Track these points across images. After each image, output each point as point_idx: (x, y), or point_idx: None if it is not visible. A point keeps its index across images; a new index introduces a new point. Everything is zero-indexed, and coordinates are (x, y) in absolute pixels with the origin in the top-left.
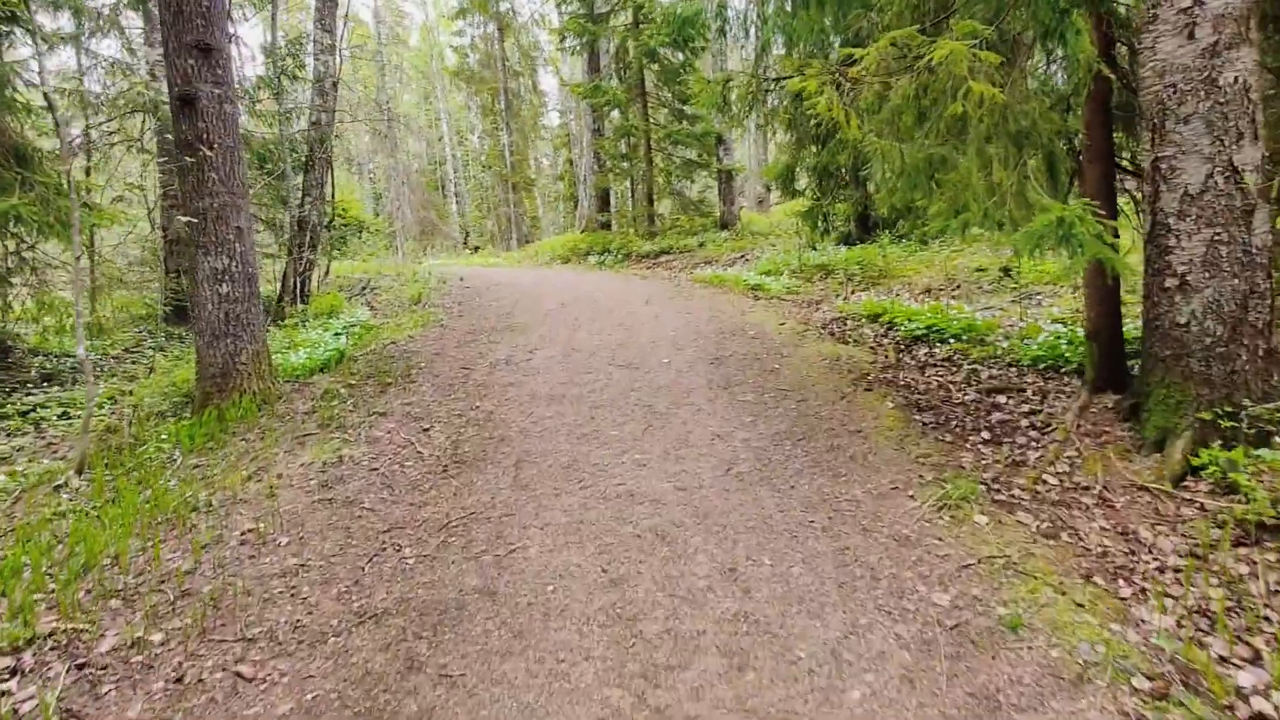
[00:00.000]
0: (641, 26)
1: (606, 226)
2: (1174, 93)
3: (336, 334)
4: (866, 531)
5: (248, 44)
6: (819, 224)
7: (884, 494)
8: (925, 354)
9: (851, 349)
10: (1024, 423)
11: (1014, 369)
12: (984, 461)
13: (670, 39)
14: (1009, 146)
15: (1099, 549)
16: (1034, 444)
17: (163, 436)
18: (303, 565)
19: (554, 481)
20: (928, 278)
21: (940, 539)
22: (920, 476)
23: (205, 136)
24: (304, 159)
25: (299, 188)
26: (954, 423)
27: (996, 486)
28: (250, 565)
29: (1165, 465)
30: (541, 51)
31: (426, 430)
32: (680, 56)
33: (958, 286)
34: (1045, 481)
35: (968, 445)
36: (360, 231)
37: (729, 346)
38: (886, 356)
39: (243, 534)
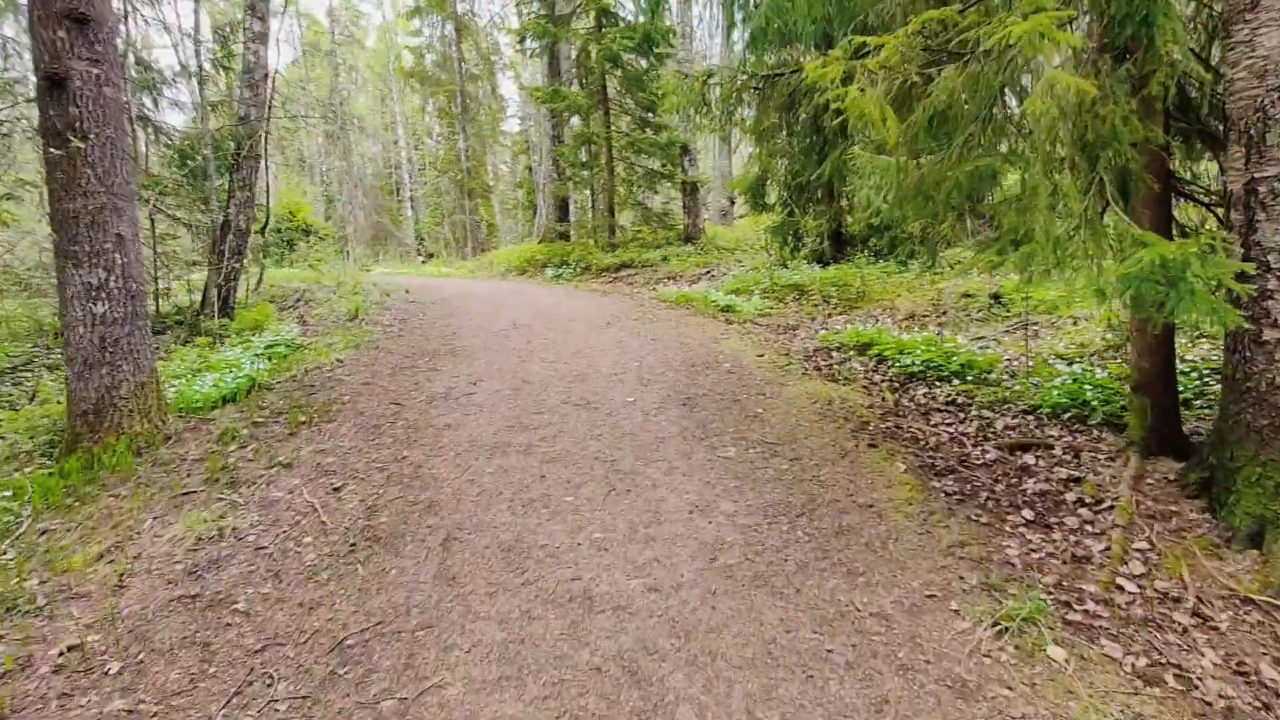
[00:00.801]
0: (604, 30)
1: (565, 237)
2: None
3: (257, 354)
4: (907, 671)
5: (167, 25)
6: (789, 240)
7: (919, 605)
8: (925, 395)
9: (842, 389)
10: (1068, 495)
11: (1031, 418)
12: (1035, 554)
13: (634, 44)
14: (1080, 160)
15: (1220, 699)
16: (1090, 527)
17: (6, 493)
18: (130, 712)
19: (490, 572)
20: (910, 302)
21: (1010, 687)
22: (961, 578)
23: (78, 125)
24: (230, 157)
25: (225, 188)
26: (983, 493)
27: (1064, 598)
28: (56, 714)
29: (1270, 568)
30: (501, 56)
31: (337, 490)
32: (644, 63)
33: (944, 313)
34: (1121, 588)
35: (1008, 528)
36: (308, 235)
37: (702, 383)
38: (884, 399)
39: (62, 653)
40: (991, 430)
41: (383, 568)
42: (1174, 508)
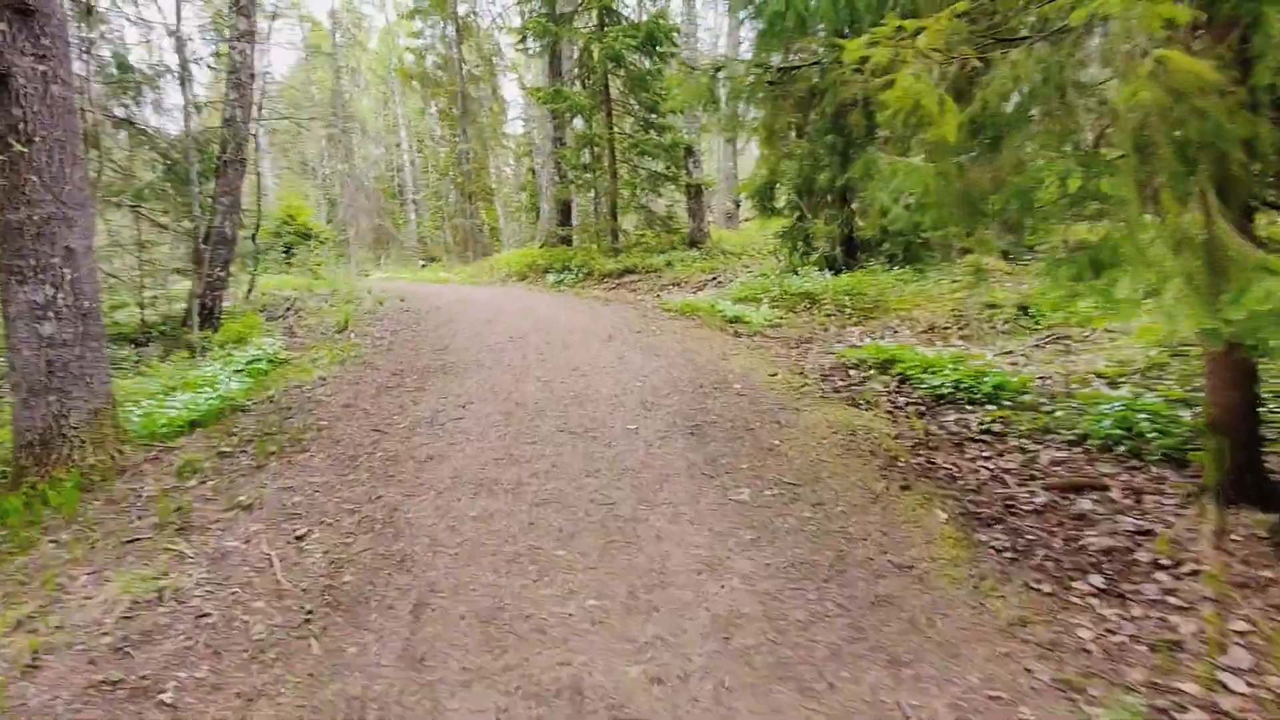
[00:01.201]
0: (607, 29)
1: (567, 241)
2: None
3: (237, 371)
4: None
5: (149, 22)
6: (798, 246)
7: (982, 712)
8: (957, 422)
9: (865, 416)
10: (1140, 554)
11: (1079, 450)
12: (1114, 637)
13: (638, 43)
14: (1175, 164)
15: None
16: (1172, 598)
17: None
18: None
19: (465, 652)
20: (929, 313)
21: None
22: (1028, 670)
23: (21, 127)
24: (215, 162)
25: (209, 194)
26: (1038, 549)
27: (1159, 702)
28: None
29: None
30: (503, 58)
31: (300, 539)
32: (648, 63)
33: (966, 325)
34: (1225, 686)
35: (1075, 598)
36: (307, 239)
37: (711, 407)
38: (911, 428)
39: None
40: (1036, 465)
41: (340, 645)
42: (1270, 573)
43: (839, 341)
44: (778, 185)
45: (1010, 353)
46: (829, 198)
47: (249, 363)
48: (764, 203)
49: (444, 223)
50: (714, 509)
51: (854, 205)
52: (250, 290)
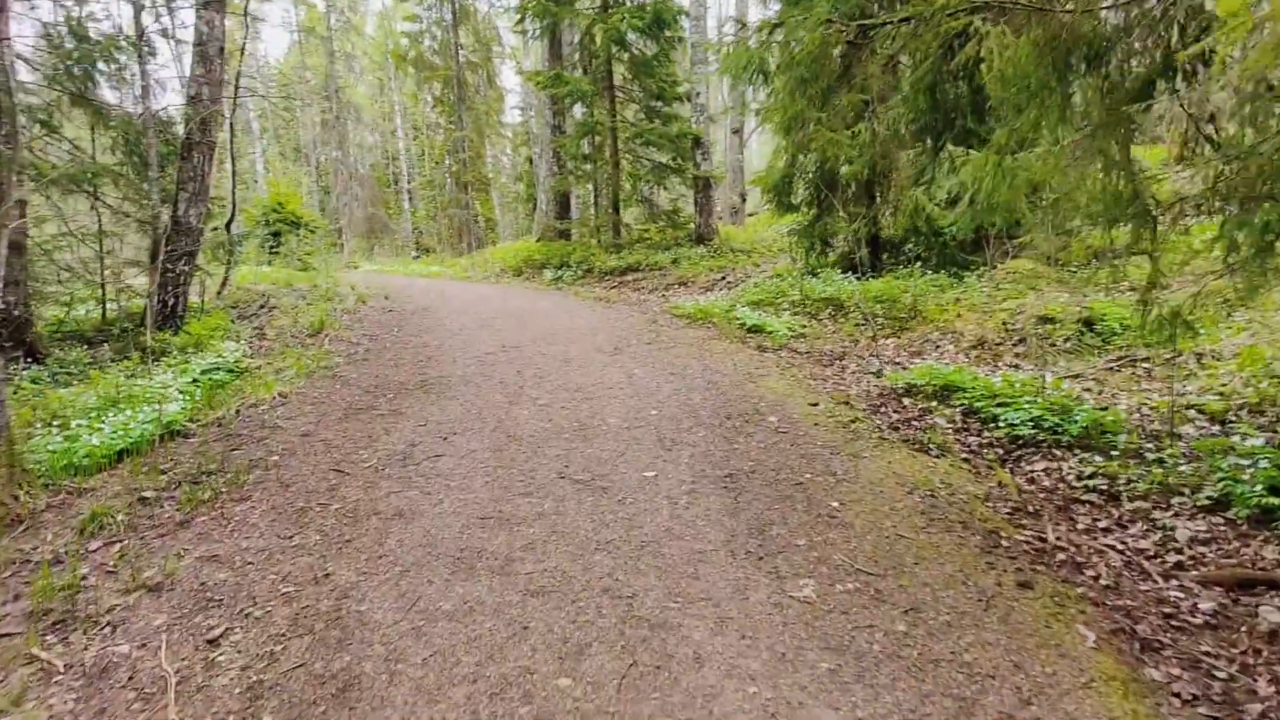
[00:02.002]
0: (610, 10)
1: (565, 235)
2: None
3: (192, 381)
4: None
5: None
6: (815, 245)
7: None
8: (1049, 473)
9: (939, 466)
10: None
11: (1221, 520)
12: None
13: (644, 24)
14: None
15: None
16: None
17: None
18: None
19: None
20: (975, 325)
21: None
22: None
23: None
24: (178, 144)
25: (174, 180)
26: (1241, 698)
27: None
28: None
29: None
30: (502, 45)
31: (214, 643)
32: (653, 46)
33: (1021, 341)
34: None
35: None
36: (297, 228)
37: (745, 448)
38: (999, 482)
39: None
40: (1174, 544)
41: None
42: None
43: (873, 356)
44: (795, 179)
45: (1078, 377)
46: (851, 193)
47: (205, 372)
48: (781, 198)
49: (438, 213)
50: (770, 613)
51: (880, 201)
52: (224, 286)
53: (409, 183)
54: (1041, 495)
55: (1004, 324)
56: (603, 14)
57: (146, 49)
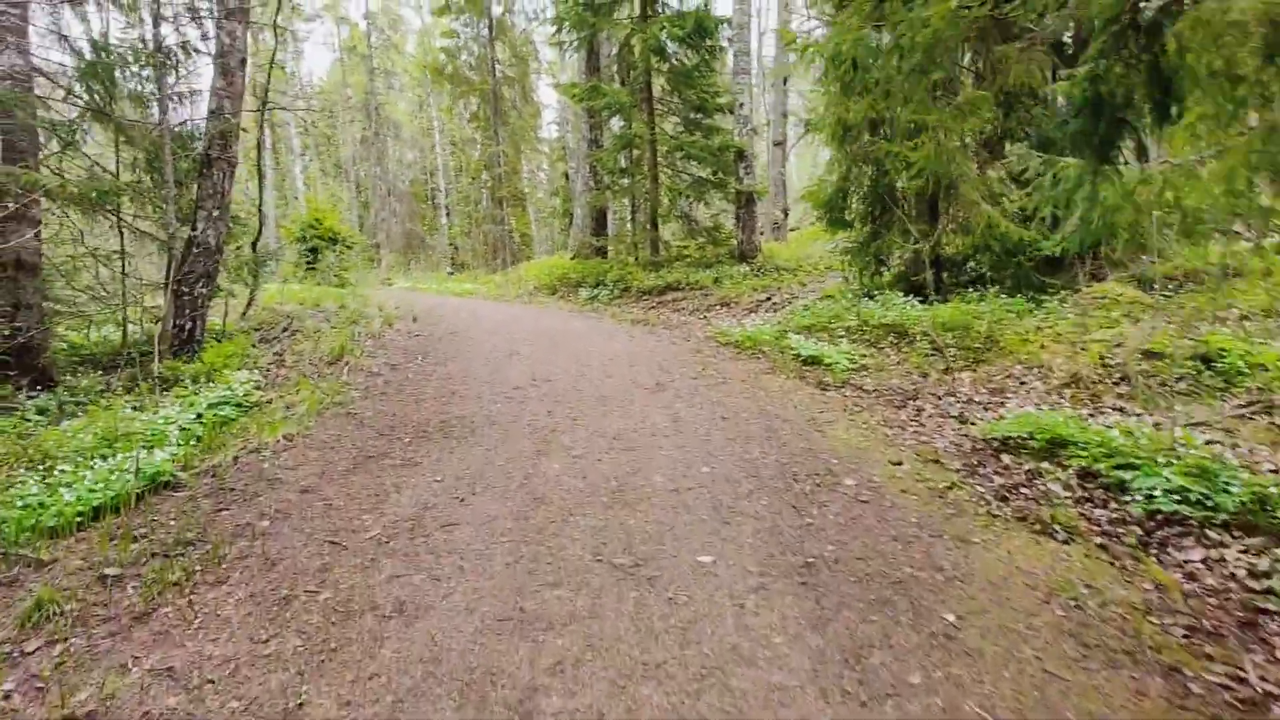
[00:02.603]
0: (650, 19)
1: (601, 252)
2: None
3: (197, 418)
4: None
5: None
6: (870, 264)
7: None
8: (1209, 565)
9: (1068, 551)
10: None
11: None
12: None
13: (685, 33)
14: None
15: None
16: None
17: None
18: None
19: None
20: (1063, 358)
21: None
22: None
23: None
24: (198, 160)
25: (193, 198)
26: None
27: None
28: None
29: None
30: (540, 61)
31: None
32: (694, 57)
33: (1124, 380)
34: None
35: None
36: (334, 244)
37: (821, 523)
38: (1154, 581)
39: None
40: None
41: None
42: None
43: (949, 395)
44: (851, 193)
45: (1202, 425)
46: (910, 208)
47: (211, 407)
48: (833, 214)
49: (472, 229)
50: None
51: (943, 217)
52: (249, 306)
53: (446, 198)
54: (1212, 602)
55: (1101, 358)
56: (641, 23)
57: (166, 60)
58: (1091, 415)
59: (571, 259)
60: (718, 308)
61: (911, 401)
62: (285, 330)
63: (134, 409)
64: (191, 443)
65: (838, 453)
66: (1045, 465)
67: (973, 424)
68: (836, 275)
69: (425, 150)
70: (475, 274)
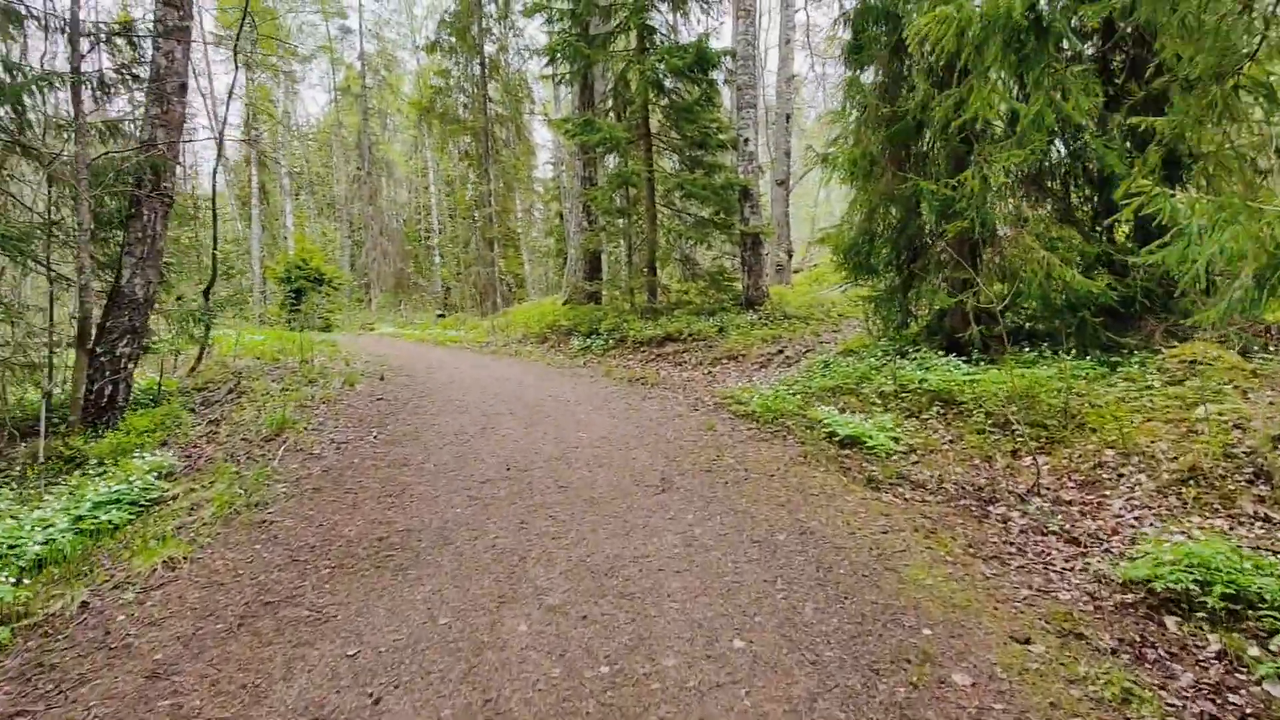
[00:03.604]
0: (648, 51)
1: (595, 298)
2: None
3: (75, 521)
4: None
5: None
6: (896, 316)
7: None
8: None
9: None
10: None
11: None
12: None
13: (685, 65)
14: None
15: None
16: None
17: None
18: None
19: None
20: (1167, 443)
21: None
22: None
23: None
24: (126, 199)
25: (121, 243)
26: None
27: None
28: None
29: None
30: (535, 102)
31: None
32: (695, 90)
33: (1263, 477)
34: None
35: None
36: (320, 284)
37: None
38: None
39: None
40: None
41: None
42: None
43: (1032, 493)
44: (879, 237)
45: None
46: (943, 254)
47: (100, 505)
48: (858, 259)
49: (464, 270)
50: None
51: (986, 265)
52: (199, 362)
53: (438, 238)
54: None
55: (1218, 443)
56: (639, 55)
57: (83, 83)
58: (1225, 521)
59: (564, 304)
60: (724, 361)
61: (988, 506)
62: (230, 391)
63: (20, 501)
64: (52, 565)
65: (927, 614)
66: (1236, 636)
67: (1082, 544)
68: (853, 324)
69: (419, 190)
70: (464, 319)
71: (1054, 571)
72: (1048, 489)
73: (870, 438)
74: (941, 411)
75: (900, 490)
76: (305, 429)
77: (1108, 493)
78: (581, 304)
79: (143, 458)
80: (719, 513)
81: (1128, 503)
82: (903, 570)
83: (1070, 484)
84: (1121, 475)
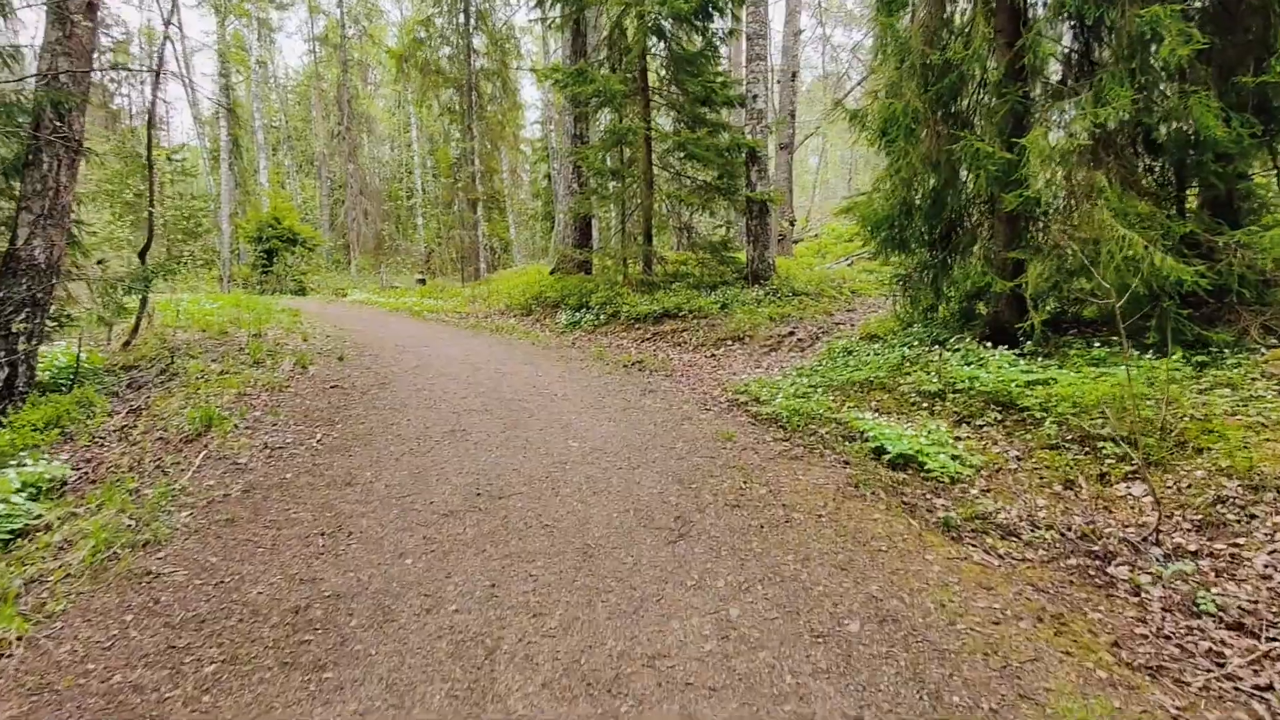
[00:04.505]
0: None
1: (585, 267)
2: None
3: None
4: None
5: None
6: (927, 297)
7: None
8: None
9: None
10: None
11: None
12: None
13: (690, 9)
14: None
15: None
16: None
17: None
18: None
19: None
20: None
21: None
22: None
23: None
24: (25, 141)
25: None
26: None
27: None
28: None
29: None
30: (523, 58)
31: None
32: (699, 40)
33: None
34: None
35: None
36: (293, 244)
37: None
38: None
39: None
40: None
41: None
42: None
43: (1148, 542)
44: (916, 208)
45: None
46: (988, 229)
47: None
48: (892, 234)
49: (445, 233)
50: None
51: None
52: (134, 335)
53: (421, 198)
54: None
55: None
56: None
57: None
58: None
59: (551, 273)
60: (728, 343)
61: (1109, 565)
62: (163, 372)
63: None
64: None
65: None
66: None
67: (1252, 631)
68: (868, 303)
69: (402, 148)
70: (444, 285)
71: (1246, 693)
72: (1163, 531)
73: (927, 456)
74: (999, 418)
75: (988, 540)
76: (236, 427)
77: (1239, 541)
78: (570, 273)
79: (22, 466)
80: (760, 578)
81: (1274, 558)
82: (1044, 699)
83: (1186, 524)
84: (1253, 516)
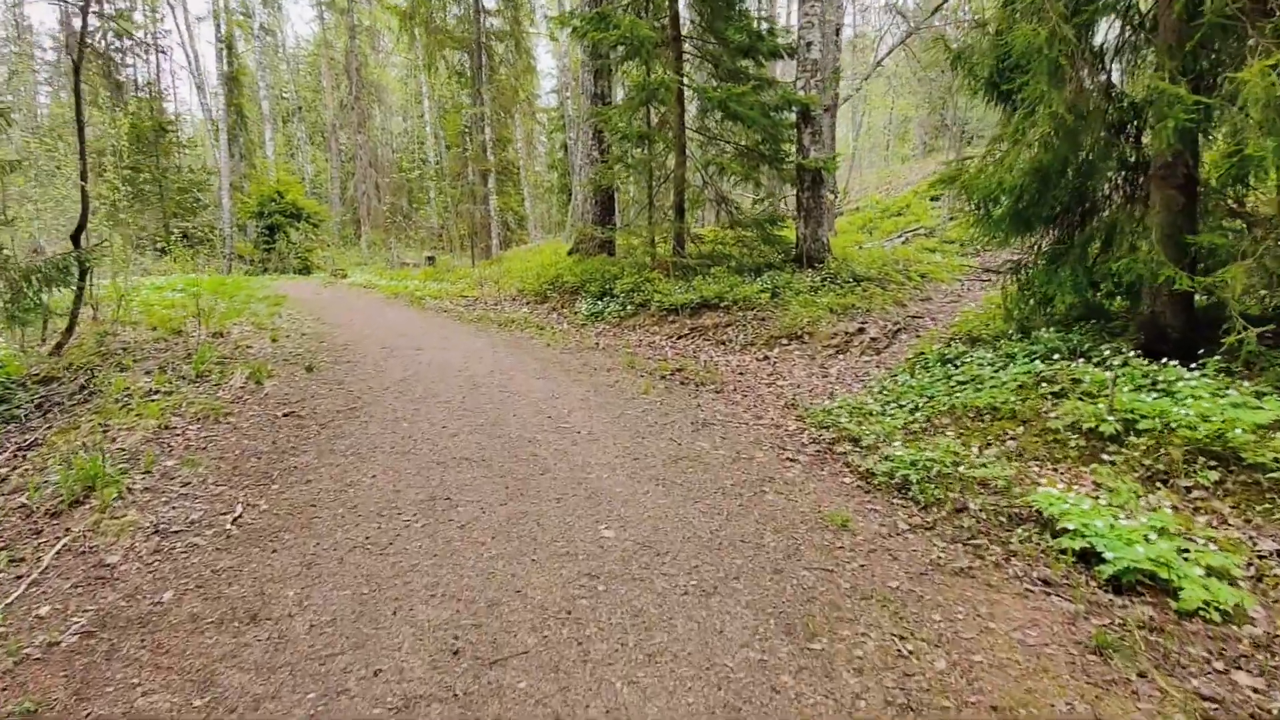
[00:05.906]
0: None
1: (607, 247)
2: None
3: None
4: None
5: None
6: (1058, 290)
7: None
8: None
9: None
10: None
11: None
12: None
13: None
14: None
15: None
16: None
17: None
18: None
19: None
20: None
21: None
22: None
23: None
24: None
25: None
26: None
27: None
28: None
29: None
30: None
31: None
32: None
33: None
34: None
35: None
36: (298, 219)
37: None
38: None
39: None
40: None
41: None
42: None
43: None
44: (1057, 173)
45: None
46: (1162, 200)
47: None
48: (1017, 208)
49: (453, 207)
50: None
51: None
52: (69, 334)
53: (432, 170)
54: None
55: None
56: None
57: None
58: None
59: (569, 253)
60: (784, 342)
61: None
62: (82, 389)
63: None
64: None
65: None
66: None
67: None
68: (941, 290)
69: (414, 119)
70: (453, 264)
71: None
72: None
73: (1172, 570)
74: (1219, 479)
75: None
76: (126, 492)
77: None
78: (591, 254)
79: None
80: None
81: None
82: None
83: None
84: None
